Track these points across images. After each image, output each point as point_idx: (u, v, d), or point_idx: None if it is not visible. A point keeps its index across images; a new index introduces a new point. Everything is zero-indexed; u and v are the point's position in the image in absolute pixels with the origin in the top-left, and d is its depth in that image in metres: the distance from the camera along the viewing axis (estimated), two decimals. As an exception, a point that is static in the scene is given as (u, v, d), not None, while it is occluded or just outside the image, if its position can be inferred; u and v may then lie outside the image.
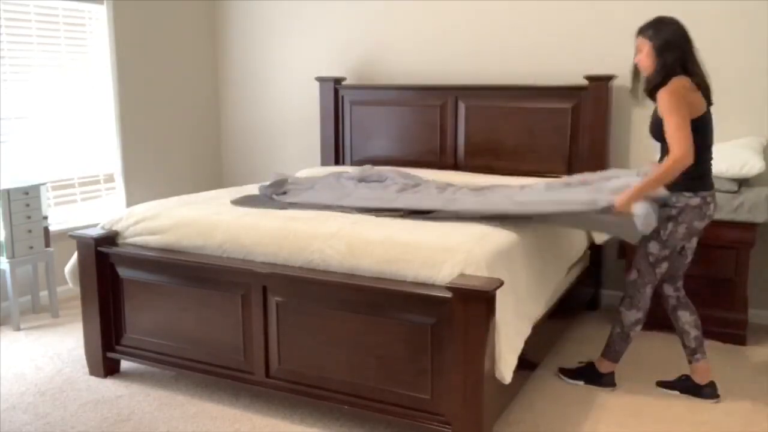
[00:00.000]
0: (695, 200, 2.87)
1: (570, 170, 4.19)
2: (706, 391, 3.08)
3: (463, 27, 4.62)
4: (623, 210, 2.80)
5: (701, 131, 2.82)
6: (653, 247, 2.97)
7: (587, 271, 3.96)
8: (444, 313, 2.48)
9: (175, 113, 5.22)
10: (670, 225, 2.91)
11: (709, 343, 3.66)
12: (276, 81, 5.34)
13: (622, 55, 4.16)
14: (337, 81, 4.86)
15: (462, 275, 2.50)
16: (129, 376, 3.32)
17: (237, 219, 3.07)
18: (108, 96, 4.75)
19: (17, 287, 3.97)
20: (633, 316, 3.08)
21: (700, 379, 3.11)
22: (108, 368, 3.31)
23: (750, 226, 3.57)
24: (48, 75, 4.40)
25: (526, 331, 2.79)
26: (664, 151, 2.86)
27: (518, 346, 2.66)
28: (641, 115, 4.21)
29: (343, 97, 4.86)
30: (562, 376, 3.26)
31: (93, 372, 3.32)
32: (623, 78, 4.17)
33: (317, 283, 2.73)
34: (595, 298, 4.28)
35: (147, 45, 4.94)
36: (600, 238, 3.83)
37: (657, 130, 2.89)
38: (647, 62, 2.90)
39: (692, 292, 3.69)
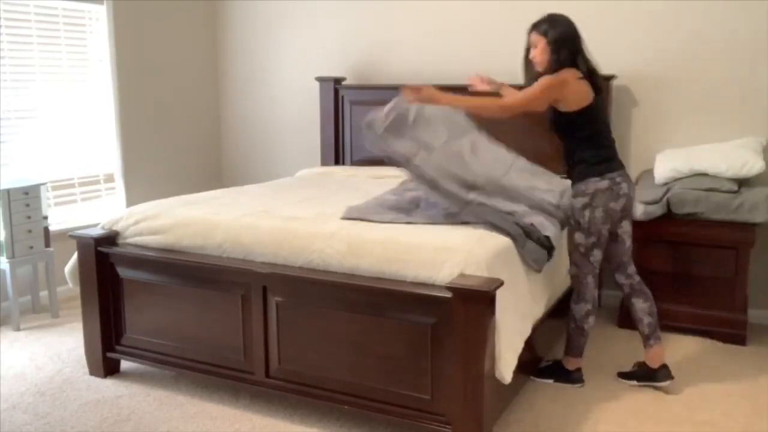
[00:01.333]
0: (603, 183, 2.97)
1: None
2: (660, 374, 3.16)
3: (463, 27, 4.62)
4: (407, 95, 3.01)
5: (593, 118, 2.97)
6: (579, 237, 3.05)
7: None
8: (444, 313, 2.48)
9: (175, 113, 5.22)
10: (587, 212, 2.99)
11: (709, 343, 3.68)
12: (276, 81, 5.34)
13: (622, 55, 4.19)
14: (337, 81, 4.86)
15: (462, 275, 2.50)
16: (129, 376, 3.32)
17: (237, 219, 3.07)
18: (108, 96, 4.75)
19: (17, 287, 3.98)
20: (582, 308, 3.14)
21: (653, 363, 3.18)
22: (108, 368, 3.31)
23: (750, 226, 3.56)
24: (48, 75, 4.41)
25: (527, 331, 2.80)
26: (565, 144, 3.05)
27: (518, 346, 2.66)
28: (641, 115, 4.21)
29: (343, 97, 4.86)
30: (532, 377, 3.23)
31: (93, 372, 3.32)
32: (623, 78, 4.18)
33: (317, 283, 2.73)
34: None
35: (147, 45, 4.94)
36: None
37: (552, 124, 3.06)
38: (542, 57, 2.99)
39: (692, 292, 3.72)
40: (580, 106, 2.94)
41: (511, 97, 3.08)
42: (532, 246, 2.90)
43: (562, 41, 2.94)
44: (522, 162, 3.40)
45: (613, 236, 3.12)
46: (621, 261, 3.18)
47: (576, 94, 2.93)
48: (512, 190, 3.10)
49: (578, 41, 2.97)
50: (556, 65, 2.94)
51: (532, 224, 2.95)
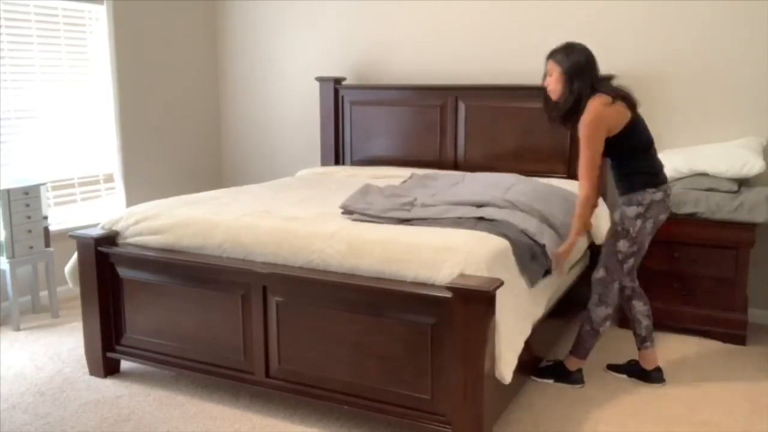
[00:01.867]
0: (659, 195, 2.99)
1: (570, 170, 4.20)
2: (654, 376, 3.21)
3: (463, 27, 4.62)
4: (564, 257, 3.04)
5: (633, 137, 2.95)
6: (623, 245, 3.03)
7: (587, 271, 3.95)
8: (444, 313, 2.48)
9: (175, 113, 5.22)
10: (638, 222, 2.99)
11: (709, 343, 3.68)
12: (276, 81, 5.34)
13: (622, 55, 4.19)
14: (337, 81, 4.86)
15: (462, 275, 2.50)
16: (129, 376, 3.32)
17: (237, 219, 3.07)
18: (108, 96, 4.75)
19: (17, 287, 3.98)
20: (602, 312, 3.12)
21: (648, 365, 3.22)
22: (108, 368, 3.31)
23: (750, 226, 3.57)
24: (48, 75, 4.41)
25: (527, 330, 2.79)
26: (616, 158, 3.01)
27: (518, 346, 2.66)
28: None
29: (343, 97, 4.86)
30: (533, 376, 3.23)
31: (93, 372, 3.32)
32: (623, 78, 4.16)
33: (317, 283, 2.73)
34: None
35: (147, 45, 4.94)
36: (600, 238, 3.82)
37: (606, 150, 2.99)
38: (556, 86, 2.97)
39: (692, 292, 3.72)
40: (620, 128, 2.92)
41: (582, 188, 2.96)
42: (533, 265, 2.89)
43: (575, 71, 2.91)
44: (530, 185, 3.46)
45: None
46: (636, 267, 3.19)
47: (615, 120, 2.90)
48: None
49: (594, 70, 2.95)
50: (569, 95, 2.92)
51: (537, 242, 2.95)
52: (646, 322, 3.22)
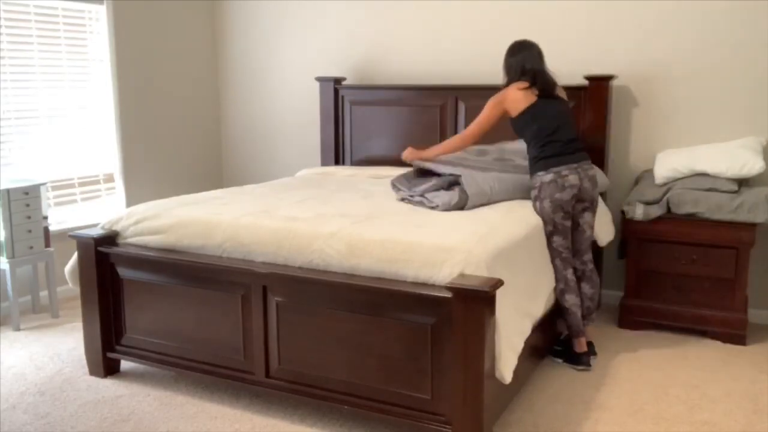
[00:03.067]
0: (548, 176, 3.28)
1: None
2: (584, 359, 3.39)
3: (464, 27, 4.62)
4: (406, 158, 3.71)
5: (530, 119, 3.36)
6: (543, 224, 3.33)
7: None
8: (444, 313, 2.48)
9: (175, 113, 5.22)
10: (537, 203, 3.32)
11: (709, 343, 3.68)
12: (276, 81, 5.34)
13: (622, 55, 4.19)
14: (337, 81, 4.86)
15: (462, 275, 2.50)
16: (129, 376, 3.32)
17: (237, 219, 3.07)
18: (108, 96, 4.75)
19: (17, 287, 3.98)
20: (557, 288, 3.35)
21: (578, 348, 3.41)
22: (108, 368, 3.31)
23: (750, 226, 3.56)
24: (48, 75, 4.41)
25: (527, 330, 2.80)
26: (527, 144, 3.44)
27: (518, 345, 2.66)
28: (641, 115, 4.21)
29: (343, 97, 4.86)
30: (549, 355, 3.48)
31: (93, 372, 3.32)
32: (623, 78, 4.19)
33: (317, 283, 2.73)
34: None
35: (147, 45, 4.94)
36: (602, 240, 3.83)
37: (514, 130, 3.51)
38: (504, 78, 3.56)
39: (693, 292, 3.72)
40: (518, 111, 3.36)
41: (468, 128, 3.61)
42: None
43: (508, 63, 3.49)
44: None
45: (575, 225, 3.40)
46: (578, 248, 3.45)
47: (513, 102, 3.38)
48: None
49: (525, 58, 3.42)
50: (504, 83, 3.51)
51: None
52: (587, 303, 3.48)
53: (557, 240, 3.31)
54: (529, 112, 3.35)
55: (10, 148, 4.20)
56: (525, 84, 3.37)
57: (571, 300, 3.35)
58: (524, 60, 3.42)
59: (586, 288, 3.48)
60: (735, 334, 3.66)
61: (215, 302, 2.97)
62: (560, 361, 3.43)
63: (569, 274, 3.36)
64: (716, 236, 3.62)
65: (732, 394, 3.11)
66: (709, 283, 3.69)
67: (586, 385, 3.19)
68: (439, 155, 3.66)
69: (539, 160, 3.33)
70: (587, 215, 3.41)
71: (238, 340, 2.94)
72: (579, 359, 3.37)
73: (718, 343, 3.68)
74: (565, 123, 3.39)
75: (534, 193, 3.33)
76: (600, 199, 3.63)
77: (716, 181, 3.64)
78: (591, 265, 3.50)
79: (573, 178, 3.27)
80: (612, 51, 4.20)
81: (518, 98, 3.37)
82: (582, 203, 3.36)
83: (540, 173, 3.31)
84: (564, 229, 3.32)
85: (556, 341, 3.53)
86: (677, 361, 3.47)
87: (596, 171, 3.46)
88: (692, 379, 3.26)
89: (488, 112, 3.48)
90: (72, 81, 4.56)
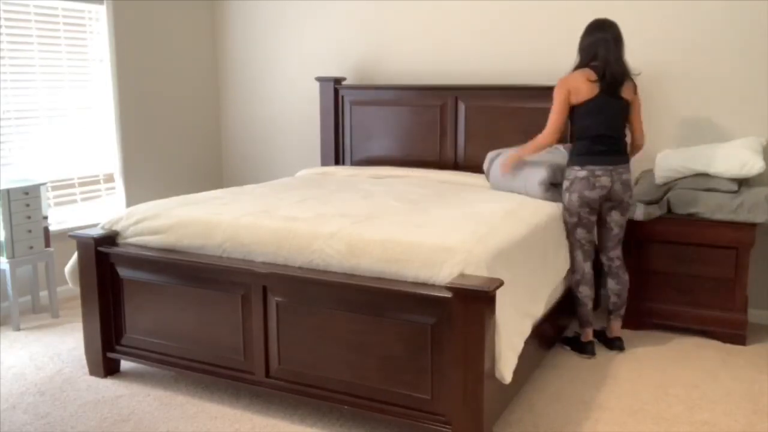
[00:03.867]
0: (582, 173, 3.36)
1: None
2: (615, 344, 3.56)
3: (463, 27, 4.62)
4: (505, 171, 3.70)
5: (585, 113, 3.36)
6: (565, 215, 3.47)
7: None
8: (444, 313, 2.48)
9: (175, 113, 5.22)
10: (566, 195, 3.43)
11: (709, 343, 3.68)
12: (276, 81, 5.34)
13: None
14: (337, 81, 4.86)
15: (462, 275, 2.50)
16: (129, 376, 3.32)
17: (237, 219, 3.07)
18: (108, 96, 4.76)
19: (17, 287, 3.98)
20: (573, 278, 3.53)
21: (612, 334, 3.60)
22: (108, 368, 3.31)
23: (750, 226, 3.56)
24: (48, 75, 4.41)
25: (527, 330, 2.80)
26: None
27: (518, 345, 2.66)
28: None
29: (343, 97, 4.86)
30: (558, 343, 3.63)
31: (93, 372, 3.32)
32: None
33: (317, 283, 2.73)
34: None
35: (147, 45, 4.94)
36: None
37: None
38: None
39: (692, 292, 3.72)
40: (577, 101, 3.36)
41: (546, 129, 3.47)
42: None
43: (581, 44, 3.41)
44: None
45: (602, 222, 3.51)
46: (605, 244, 3.57)
47: (575, 90, 3.35)
48: None
49: (598, 42, 3.31)
50: (574, 68, 3.44)
51: None
52: (614, 298, 3.61)
53: (580, 232, 3.44)
54: (585, 106, 3.35)
55: (10, 148, 4.20)
56: (593, 75, 3.31)
57: (584, 291, 3.50)
58: (597, 44, 3.31)
59: (611, 284, 3.59)
60: (735, 334, 3.66)
61: (215, 302, 2.97)
62: (567, 348, 3.57)
63: (587, 267, 3.51)
64: (716, 236, 3.62)
65: (732, 394, 3.11)
66: (709, 283, 3.69)
67: (586, 385, 3.20)
68: (532, 154, 3.61)
69: (578, 155, 3.40)
70: (614, 214, 3.47)
71: (238, 340, 2.94)
72: (584, 348, 3.52)
73: (718, 343, 3.68)
74: (616, 125, 3.40)
75: (566, 184, 3.43)
76: None
77: (716, 181, 3.64)
78: (618, 262, 3.58)
79: (605, 180, 3.34)
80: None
81: (580, 87, 3.33)
82: (610, 202, 3.43)
83: (575, 167, 3.39)
84: (589, 223, 3.44)
85: (563, 337, 3.69)
86: (677, 361, 3.47)
87: (630, 175, 3.47)
88: (692, 379, 3.26)
89: (557, 98, 3.41)
90: (72, 81, 4.56)
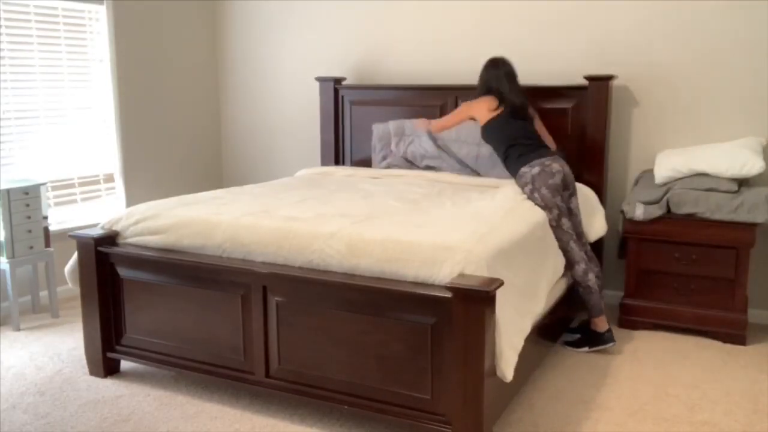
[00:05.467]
0: (536, 168, 3.52)
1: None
2: (606, 336, 3.53)
3: (464, 27, 4.62)
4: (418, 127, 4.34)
5: (499, 127, 3.75)
6: (547, 214, 3.47)
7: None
8: (444, 313, 2.48)
9: (175, 113, 5.22)
10: (536, 195, 3.49)
11: (709, 343, 3.68)
12: (276, 81, 5.34)
13: (622, 55, 4.19)
14: (337, 81, 4.86)
15: (462, 275, 2.50)
16: (129, 376, 3.32)
17: (237, 219, 3.07)
18: (108, 96, 4.76)
19: (17, 287, 3.98)
20: (579, 269, 3.51)
21: (601, 328, 3.54)
22: (108, 368, 3.31)
23: (750, 226, 3.56)
24: (48, 75, 4.41)
25: (527, 329, 2.79)
26: (494, 148, 3.85)
27: (519, 344, 2.66)
28: (641, 115, 4.21)
29: (343, 97, 4.86)
30: (569, 347, 3.59)
31: (93, 372, 3.32)
32: (623, 78, 4.19)
33: (317, 283, 2.73)
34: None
35: (147, 45, 4.94)
36: (592, 236, 3.83)
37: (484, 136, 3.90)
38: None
39: (692, 292, 3.72)
40: (485, 120, 3.78)
41: (440, 120, 4.17)
42: None
43: (479, 78, 3.91)
44: None
45: (569, 211, 3.56)
46: (578, 231, 3.61)
47: (479, 111, 3.82)
48: None
49: (493, 79, 3.83)
50: (477, 95, 3.91)
51: None
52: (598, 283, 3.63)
53: (566, 222, 3.49)
54: (496, 121, 3.74)
55: (10, 148, 4.20)
56: (494, 103, 3.77)
57: (592, 279, 3.52)
58: (490, 80, 3.83)
59: (596, 270, 3.66)
60: (735, 334, 3.66)
61: (215, 302, 2.97)
62: (586, 349, 3.55)
63: (584, 254, 3.56)
64: (716, 236, 3.62)
65: (732, 394, 3.11)
66: (709, 283, 3.69)
67: (586, 385, 3.20)
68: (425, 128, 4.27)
69: (519, 158, 3.62)
70: (574, 200, 3.62)
71: (238, 340, 2.94)
72: (603, 338, 3.52)
73: (718, 343, 3.68)
74: (530, 130, 3.77)
75: (528, 187, 3.51)
76: (596, 197, 3.95)
77: (716, 181, 3.64)
78: (589, 247, 3.71)
79: (556, 166, 3.53)
80: (612, 51, 4.20)
81: (484, 109, 3.79)
82: (567, 190, 3.56)
83: (525, 169, 3.55)
84: (566, 210, 3.52)
85: (568, 330, 3.72)
86: (677, 361, 3.47)
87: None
88: (692, 379, 3.26)
89: (459, 113, 3.97)
90: (72, 81, 4.56)
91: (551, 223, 3.43)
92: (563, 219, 3.47)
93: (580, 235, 3.62)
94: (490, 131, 3.79)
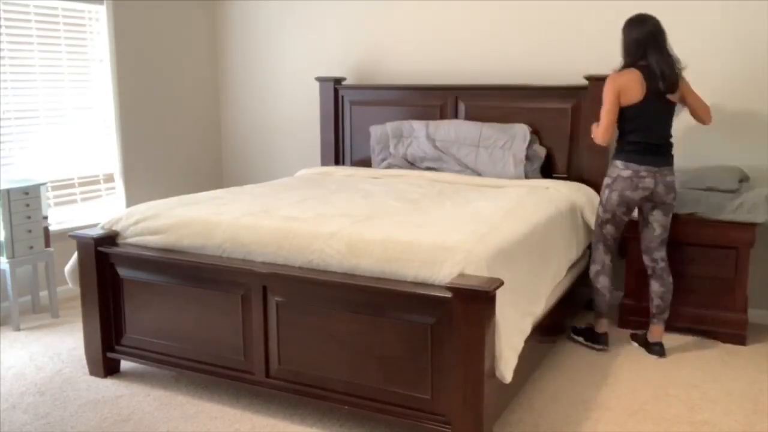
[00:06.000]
0: (626, 172, 3.35)
1: (570, 170, 4.20)
2: (655, 349, 3.52)
3: (463, 27, 4.62)
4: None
5: (632, 116, 3.32)
6: (600, 210, 3.50)
7: (587, 270, 3.95)
8: (444, 313, 2.48)
9: (175, 113, 5.22)
10: (606, 191, 3.42)
11: (709, 343, 3.68)
12: (276, 81, 5.34)
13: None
14: (337, 81, 4.86)
15: (462, 275, 2.50)
16: (129, 376, 3.32)
17: (237, 219, 3.07)
18: (108, 96, 4.76)
19: (17, 287, 3.98)
20: (593, 269, 3.57)
21: (652, 338, 3.55)
22: (108, 368, 3.31)
23: (750, 226, 3.56)
24: (48, 75, 4.41)
25: (527, 329, 2.79)
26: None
27: (518, 345, 2.66)
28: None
29: (343, 97, 4.86)
30: (572, 332, 3.70)
31: (93, 372, 3.32)
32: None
33: (317, 283, 2.73)
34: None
35: (147, 45, 4.94)
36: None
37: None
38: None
39: (692, 292, 3.72)
40: (626, 104, 3.31)
41: (600, 128, 3.41)
42: None
43: (624, 46, 3.36)
44: None
45: (645, 221, 3.49)
46: (648, 245, 3.52)
47: (625, 92, 3.29)
48: None
49: (641, 45, 3.27)
50: (622, 66, 3.38)
51: None
52: (657, 301, 3.52)
53: (609, 229, 3.49)
54: (634, 108, 3.31)
55: (10, 148, 4.20)
56: (639, 77, 3.27)
57: (603, 282, 3.54)
58: (640, 49, 3.29)
59: (655, 286, 3.53)
60: (735, 334, 3.66)
61: (215, 302, 2.97)
62: (582, 339, 3.62)
63: (608, 259, 3.56)
64: (716, 236, 3.62)
65: (732, 394, 3.11)
66: (709, 283, 3.69)
67: (586, 385, 3.20)
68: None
69: (624, 152, 3.38)
70: (657, 213, 3.44)
71: (238, 340, 2.94)
72: (597, 339, 3.57)
73: (718, 343, 3.68)
74: (664, 126, 3.38)
75: (607, 181, 3.43)
76: (596, 197, 3.81)
77: (716, 180, 3.64)
78: (662, 264, 3.51)
79: (649, 182, 3.34)
80: (612, 51, 4.18)
81: (630, 88, 3.29)
82: (651, 203, 3.42)
83: (620, 164, 3.37)
84: (621, 222, 3.48)
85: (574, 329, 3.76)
86: (677, 361, 3.47)
87: (674, 177, 3.44)
88: (692, 379, 3.26)
89: (607, 98, 3.34)
90: (72, 81, 4.55)
91: (597, 219, 3.52)
92: (608, 225, 3.48)
93: (649, 249, 3.50)
94: (629, 117, 3.34)
